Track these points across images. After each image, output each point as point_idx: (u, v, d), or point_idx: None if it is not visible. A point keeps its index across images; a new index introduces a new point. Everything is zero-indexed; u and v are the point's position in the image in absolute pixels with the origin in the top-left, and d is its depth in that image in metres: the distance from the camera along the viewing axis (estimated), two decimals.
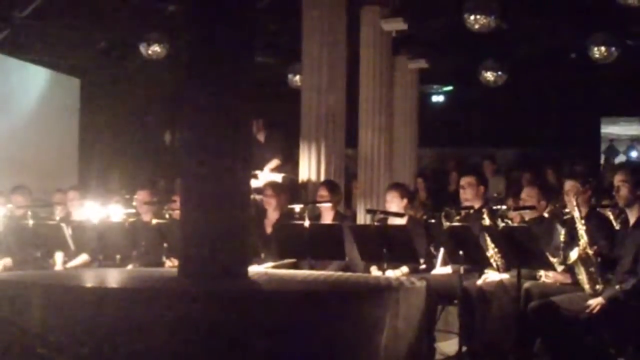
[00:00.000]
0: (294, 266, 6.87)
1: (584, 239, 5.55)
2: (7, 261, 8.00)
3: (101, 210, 8.61)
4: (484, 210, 6.37)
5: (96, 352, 4.18)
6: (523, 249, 5.58)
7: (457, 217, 6.56)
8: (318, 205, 7.38)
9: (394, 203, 7.11)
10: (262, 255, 7.04)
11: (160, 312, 4.36)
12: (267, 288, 5.10)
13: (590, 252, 5.54)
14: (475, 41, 11.12)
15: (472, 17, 10.03)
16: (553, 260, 5.69)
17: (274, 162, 9.58)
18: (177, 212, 6.71)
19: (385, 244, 6.30)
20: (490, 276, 6.17)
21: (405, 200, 7.13)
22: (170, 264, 7.09)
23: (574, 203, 5.74)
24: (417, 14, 10.83)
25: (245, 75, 5.32)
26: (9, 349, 3.90)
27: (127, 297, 4.74)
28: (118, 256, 7.74)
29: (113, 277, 5.81)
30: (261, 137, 9.76)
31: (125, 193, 10.47)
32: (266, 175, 9.27)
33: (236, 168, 5.24)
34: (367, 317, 4.69)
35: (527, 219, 6.44)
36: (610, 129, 16.50)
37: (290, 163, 9.67)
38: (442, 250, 6.68)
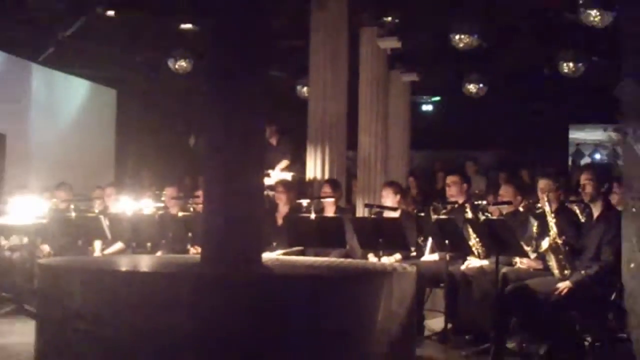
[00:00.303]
0: (301, 253, 6.86)
1: (553, 230, 5.55)
2: (45, 248, 8.02)
3: (134, 204, 8.65)
4: (467, 205, 6.39)
5: (128, 327, 4.19)
6: (501, 239, 5.58)
7: (444, 211, 6.57)
8: (322, 200, 7.38)
9: (389, 198, 7.10)
10: (274, 244, 7.04)
11: (184, 293, 4.37)
12: (278, 272, 5.10)
13: (559, 241, 5.54)
14: (459, 58, 11.10)
15: (457, 37, 10.04)
16: (527, 248, 5.69)
17: (284, 163, 9.58)
18: (200, 206, 6.73)
19: (381, 234, 6.30)
20: (472, 262, 6.18)
21: (398, 196, 7.12)
22: (194, 251, 7.10)
23: (546, 199, 5.74)
24: (409, 33, 10.83)
25: (259, 87, 5.32)
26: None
27: (155, 280, 4.75)
28: (149, 244, 7.74)
29: (144, 263, 5.82)
30: (274, 140, 9.76)
31: (155, 189, 10.47)
32: (277, 174, 9.26)
33: (251, 168, 5.24)
34: (365, 298, 4.69)
35: (504, 212, 6.43)
36: (577, 135, 16.47)
37: (298, 163, 9.67)
38: (430, 239, 6.68)
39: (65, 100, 13.30)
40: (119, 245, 8.04)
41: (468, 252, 6.12)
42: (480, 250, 6.05)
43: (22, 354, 5.05)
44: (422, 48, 11.67)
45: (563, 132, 16.21)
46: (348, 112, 9.11)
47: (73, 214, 7.88)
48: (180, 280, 4.62)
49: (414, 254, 6.70)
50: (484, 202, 6.65)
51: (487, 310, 5.65)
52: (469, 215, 6.24)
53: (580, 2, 8.68)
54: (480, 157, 14.45)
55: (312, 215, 6.77)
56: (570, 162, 15.92)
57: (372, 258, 6.67)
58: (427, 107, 16.88)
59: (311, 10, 8.90)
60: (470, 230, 6.03)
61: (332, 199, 7.27)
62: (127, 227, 7.87)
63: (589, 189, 5.55)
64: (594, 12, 8.57)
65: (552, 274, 5.57)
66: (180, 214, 8.05)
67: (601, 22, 8.61)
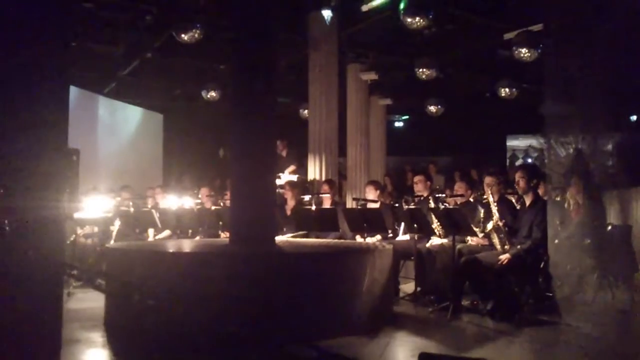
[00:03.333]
0: (305, 236, 6.88)
1: (496, 216, 5.56)
2: (111, 235, 8.04)
3: (178, 201, 8.64)
4: (430, 197, 6.38)
5: (174, 295, 4.20)
6: (456, 223, 5.58)
7: (412, 202, 6.57)
8: (321, 195, 7.39)
9: (371, 193, 7.10)
10: (284, 229, 7.05)
11: (217, 267, 4.38)
12: (287, 251, 5.11)
13: (500, 224, 5.54)
14: (423, 86, 11.12)
15: (420, 70, 10.07)
16: (476, 229, 5.69)
17: (291, 168, 9.56)
18: (228, 201, 6.73)
19: (365, 220, 6.29)
20: (435, 241, 6.18)
21: (378, 191, 7.12)
22: (224, 236, 7.10)
23: (490, 192, 5.75)
24: (385, 68, 10.85)
25: (271, 111, 5.33)
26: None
27: (195, 258, 4.75)
28: (190, 231, 7.75)
29: (186, 245, 5.83)
30: (284, 152, 9.74)
31: (194, 189, 10.48)
32: (286, 177, 9.26)
33: (266, 172, 5.25)
34: (354, 268, 4.71)
35: (458, 202, 6.44)
36: (513, 142, 16.47)
37: (302, 168, 9.65)
38: (402, 224, 6.68)
39: (124, 123, 13.30)
40: (167, 232, 8.05)
41: (431, 233, 6.11)
42: (440, 232, 6.04)
43: (94, 316, 5.05)
44: (394, 79, 11.68)
45: (502, 140, 16.24)
46: (339, 129, 9.12)
47: (132, 209, 7.89)
48: (214, 258, 4.62)
49: (391, 235, 6.71)
50: (443, 195, 6.65)
51: (447, 277, 5.65)
52: (432, 205, 6.23)
53: (514, 42, 8.71)
54: (440, 160, 14.46)
55: (313, 207, 6.78)
56: (507, 164, 15.91)
57: (359, 239, 6.67)
58: (398, 124, 16.89)
59: (309, 52, 8.92)
60: (433, 216, 6.03)
61: (328, 195, 7.27)
62: (173, 218, 7.88)
63: (522, 183, 5.57)
64: (524, 50, 8.60)
65: (495, 249, 5.58)
66: (213, 207, 8.05)
67: (529, 57, 8.63)
